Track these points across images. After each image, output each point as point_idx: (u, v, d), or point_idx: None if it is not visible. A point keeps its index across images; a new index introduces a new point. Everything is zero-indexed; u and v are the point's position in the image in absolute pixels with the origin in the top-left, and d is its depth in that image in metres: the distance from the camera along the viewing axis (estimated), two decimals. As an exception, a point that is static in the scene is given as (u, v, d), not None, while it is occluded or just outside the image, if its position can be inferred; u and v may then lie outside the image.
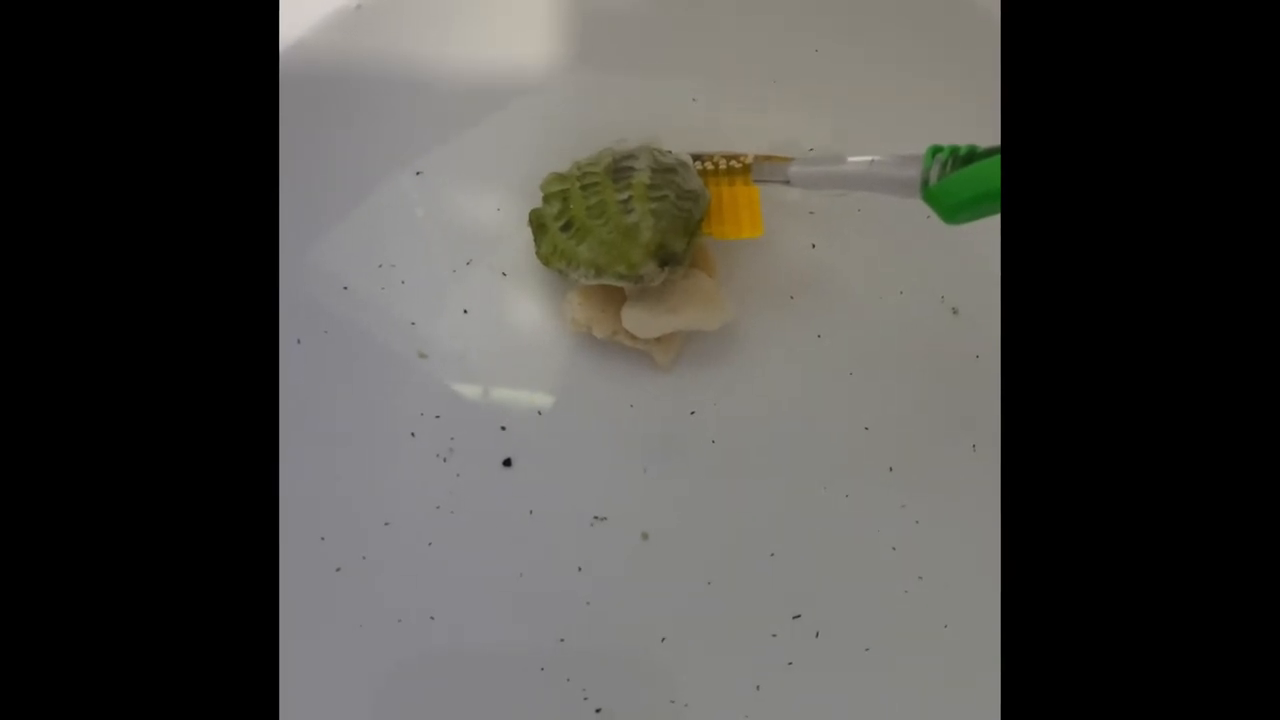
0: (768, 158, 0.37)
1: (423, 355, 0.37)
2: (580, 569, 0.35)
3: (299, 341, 0.36)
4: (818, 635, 0.35)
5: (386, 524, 0.35)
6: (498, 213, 0.39)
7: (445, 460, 0.36)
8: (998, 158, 0.27)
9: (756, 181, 0.37)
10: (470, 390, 0.37)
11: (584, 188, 0.36)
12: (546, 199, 0.37)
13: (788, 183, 0.35)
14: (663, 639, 0.35)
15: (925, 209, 0.30)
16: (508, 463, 0.36)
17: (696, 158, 0.38)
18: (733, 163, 0.37)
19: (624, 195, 0.35)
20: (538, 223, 0.37)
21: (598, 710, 0.34)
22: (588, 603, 0.35)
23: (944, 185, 0.29)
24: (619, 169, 0.36)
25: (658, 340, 0.37)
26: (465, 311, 0.38)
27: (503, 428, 0.37)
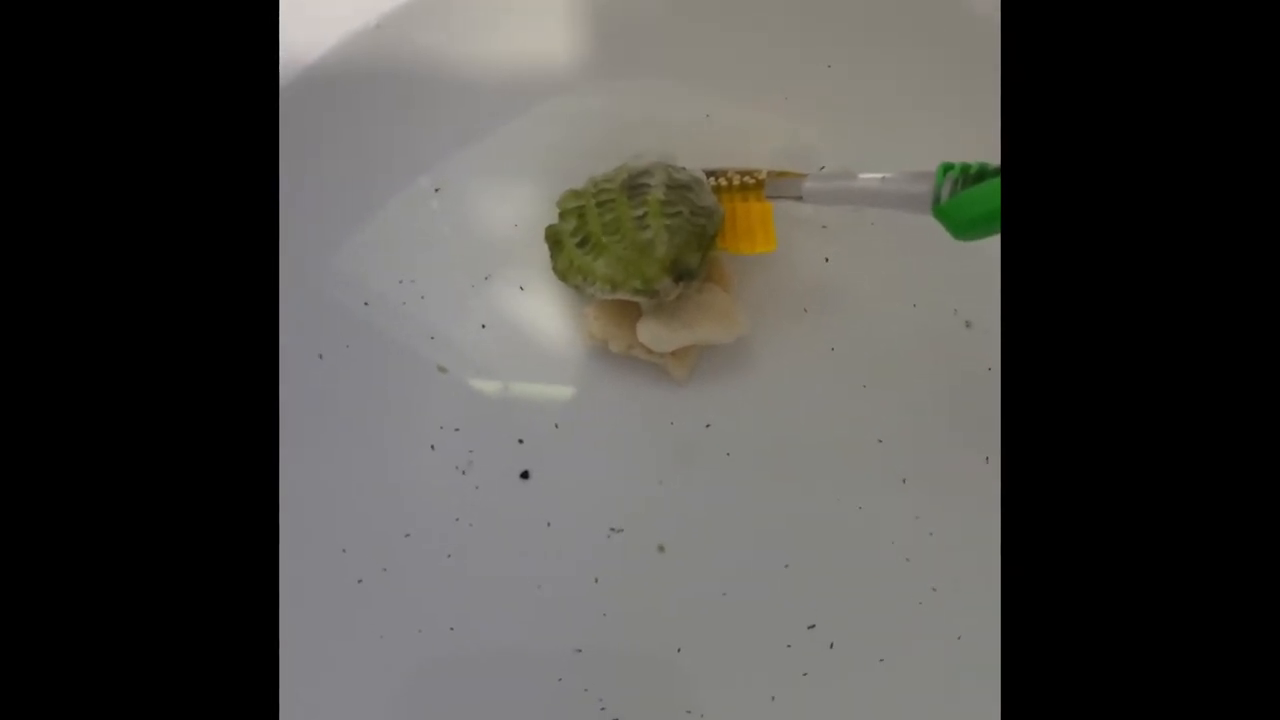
0: (781, 174, 0.37)
1: (442, 369, 0.38)
2: (597, 580, 0.36)
3: (320, 356, 0.37)
4: (832, 646, 0.35)
5: (407, 536, 0.36)
6: (515, 228, 0.39)
7: (464, 473, 0.37)
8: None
9: (770, 197, 0.37)
10: (489, 403, 0.37)
11: (600, 204, 0.36)
12: (563, 215, 0.37)
13: (800, 199, 0.35)
14: (679, 649, 0.35)
15: (938, 225, 0.31)
16: (525, 475, 0.37)
17: (710, 174, 0.38)
18: (746, 179, 0.38)
19: (639, 211, 0.35)
20: (554, 239, 0.37)
21: (614, 720, 0.34)
22: (604, 614, 0.35)
23: (954, 202, 0.29)
24: (634, 185, 0.36)
25: (673, 354, 0.37)
26: (484, 326, 0.38)
27: (521, 440, 0.37)
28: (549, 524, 0.36)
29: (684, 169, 0.37)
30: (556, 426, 0.37)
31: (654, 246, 0.35)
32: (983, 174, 0.30)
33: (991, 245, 0.31)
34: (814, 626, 0.35)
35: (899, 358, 0.38)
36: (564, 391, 0.38)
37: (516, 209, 0.39)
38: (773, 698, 0.35)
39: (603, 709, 0.34)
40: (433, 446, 0.37)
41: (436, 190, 0.40)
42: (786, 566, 0.36)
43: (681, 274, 0.35)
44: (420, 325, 0.38)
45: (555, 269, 0.37)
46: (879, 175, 0.32)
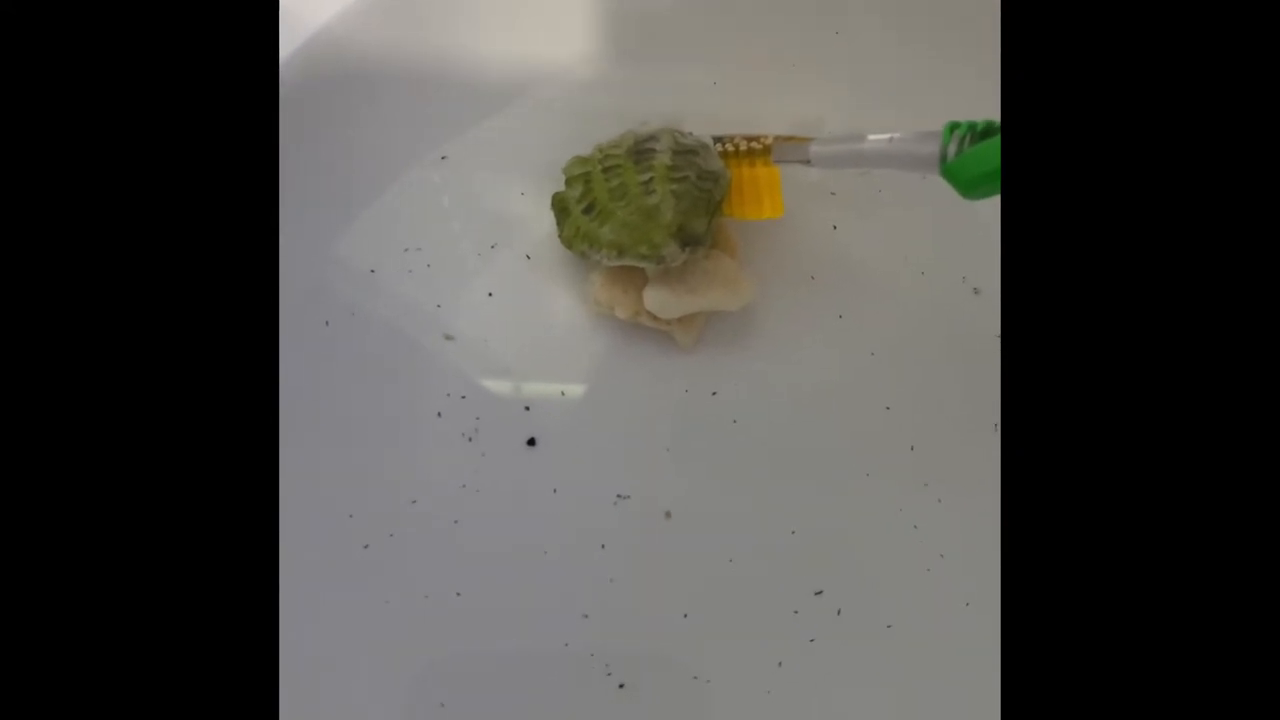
0: (788, 138, 0.37)
1: (448, 337, 0.38)
2: (603, 547, 0.36)
3: (327, 324, 0.37)
4: (839, 613, 0.35)
5: (413, 502, 0.36)
6: (521, 196, 0.39)
7: (471, 440, 0.37)
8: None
9: (777, 162, 0.37)
10: (495, 371, 0.37)
11: (605, 170, 0.36)
12: (569, 182, 0.37)
13: (808, 162, 0.35)
14: (685, 616, 0.35)
15: (946, 190, 0.30)
16: (532, 442, 0.37)
17: (717, 139, 0.38)
18: (753, 144, 0.37)
19: (645, 177, 0.35)
20: (560, 206, 0.37)
21: (620, 686, 0.34)
22: (611, 580, 0.35)
23: (962, 160, 0.29)
24: (640, 151, 0.36)
25: (679, 321, 0.37)
26: (490, 294, 0.38)
27: (527, 408, 0.37)
28: (555, 491, 0.36)
29: (690, 134, 0.37)
30: (563, 394, 0.37)
31: (660, 212, 0.34)
32: (989, 131, 0.29)
33: (1000, 212, 0.31)
34: (821, 593, 0.35)
35: (907, 325, 0.38)
36: (570, 359, 0.38)
37: (522, 177, 0.39)
38: (780, 664, 0.35)
39: (609, 674, 0.34)
40: (439, 414, 0.37)
41: (443, 159, 0.39)
42: (793, 533, 0.36)
43: (688, 240, 0.35)
44: (426, 293, 0.38)
45: (561, 236, 0.37)
46: (887, 136, 0.32)
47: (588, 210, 0.36)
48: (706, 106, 0.39)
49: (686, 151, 0.36)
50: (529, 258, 0.39)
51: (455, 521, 0.36)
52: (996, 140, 0.28)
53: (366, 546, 0.35)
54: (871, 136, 0.33)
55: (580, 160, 0.38)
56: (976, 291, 0.38)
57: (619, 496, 0.36)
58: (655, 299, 0.36)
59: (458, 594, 0.35)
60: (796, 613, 0.35)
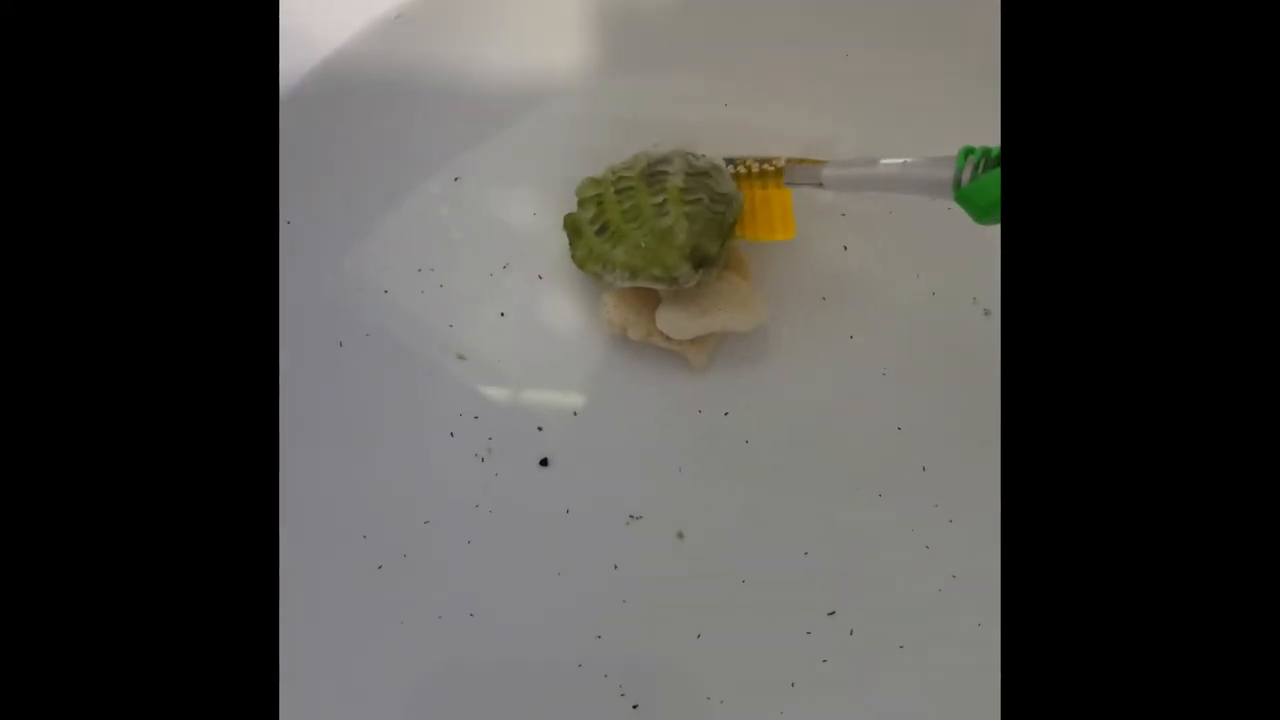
0: (800, 161, 0.37)
1: (461, 357, 0.38)
2: (616, 567, 0.36)
3: (340, 344, 0.37)
4: (852, 633, 0.35)
5: (426, 523, 0.36)
6: (534, 217, 0.39)
7: (483, 460, 0.37)
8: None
9: (789, 184, 0.37)
10: (507, 391, 0.38)
11: (618, 192, 0.36)
12: (581, 203, 0.38)
13: (821, 185, 0.36)
14: (698, 636, 0.35)
15: (956, 212, 0.31)
16: (545, 463, 0.37)
17: (729, 161, 0.38)
18: (765, 166, 0.38)
19: (658, 199, 0.35)
20: (573, 227, 0.37)
21: (634, 707, 0.34)
22: (624, 601, 0.35)
23: (976, 186, 0.29)
24: (653, 173, 0.36)
25: (692, 342, 0.37)
26: (502, 314, 0.38)
27: (539, 428, 0.37)
28: (568, 511, 0.36)
29: (703, 156, 0.37)
30: (575, 414, 0.37)
31: (673, 234, 0.35)
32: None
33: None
34: (834, 613, 0.35)
35: (918, 346, 0.38)
36: (583, 379, 0.38)
37: (535, 198, 0.40)
38: (792, 684, 0.35)
39: (623, 695, 0.34)
40: (452, 434, 0.37)
41: (456, 180, 0.40)
42: (806, 554, 0.36)
43: (701, 261, 0.35)
44: (439, 313, 0.38)
45: (574, 257, 0.37)
46: (900, 160, 0.32)
47: (601, 231, 0.36)
48: (719, 128, 0.40)
49: (699, 174, 0.36)
50: (541, 278, 0.39)
51: (468, 542, 0.36)
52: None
53: (380, 567, 0.35)
54: (885, 161, 0.33)
55: (593, 181, 0.38)
56: (987, 313, 0.39)
57: (631, 517, 0.36)
58: (668, 320, 0.36)
59: (471, 614, 0.35)
60: (809, 633, 0.35)
